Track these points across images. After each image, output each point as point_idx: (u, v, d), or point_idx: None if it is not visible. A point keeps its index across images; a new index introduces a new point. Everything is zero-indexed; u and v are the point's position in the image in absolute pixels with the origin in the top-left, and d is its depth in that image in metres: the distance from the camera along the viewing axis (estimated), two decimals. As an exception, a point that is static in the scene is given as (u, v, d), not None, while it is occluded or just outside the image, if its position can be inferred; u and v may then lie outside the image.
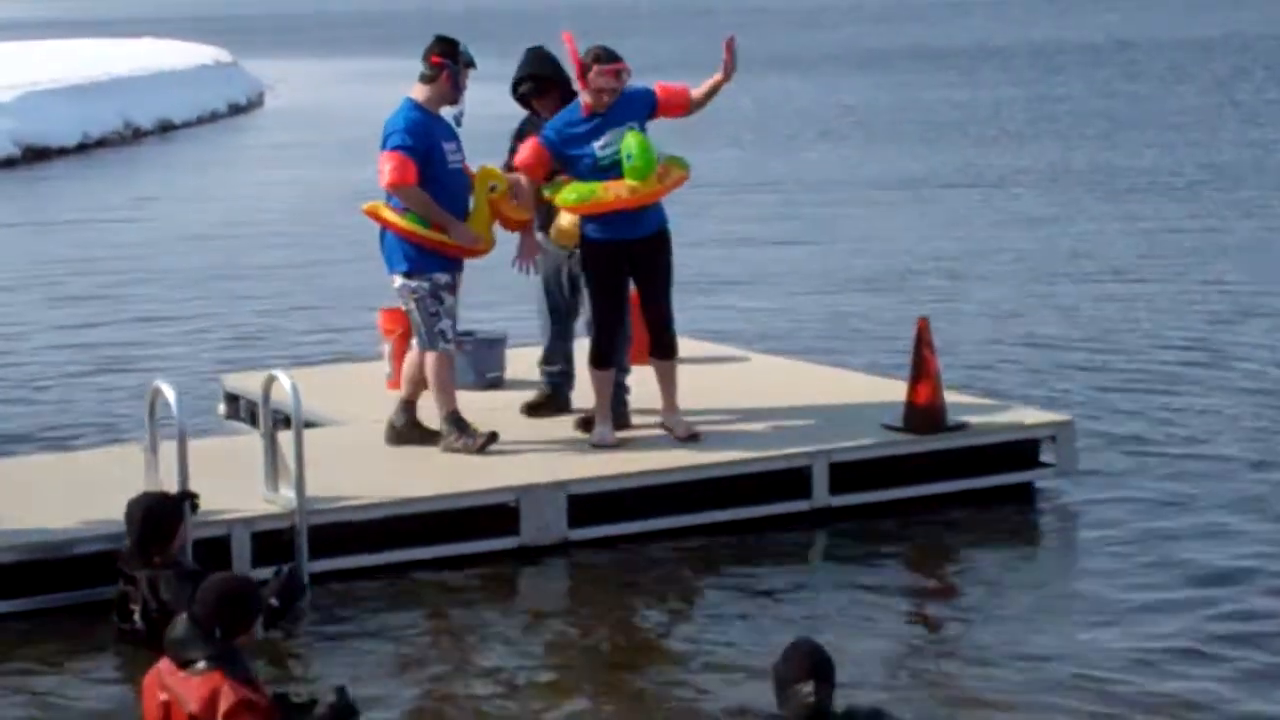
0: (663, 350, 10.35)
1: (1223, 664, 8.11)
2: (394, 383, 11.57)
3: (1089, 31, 58.35)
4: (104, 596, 8.75)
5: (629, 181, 9.99)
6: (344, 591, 9.13)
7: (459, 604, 9.08)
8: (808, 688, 5.74)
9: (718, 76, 10.16)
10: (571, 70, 10.18)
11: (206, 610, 6.45)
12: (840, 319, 16.07)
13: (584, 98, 10.07)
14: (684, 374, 10.59)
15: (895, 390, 10.80)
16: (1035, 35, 58.25)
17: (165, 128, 37.97)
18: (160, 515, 8.50)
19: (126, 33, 59.48)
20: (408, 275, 10.05)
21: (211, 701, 6.25)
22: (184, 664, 6.38)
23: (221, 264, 20.11)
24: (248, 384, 11.83)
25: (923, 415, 10.35)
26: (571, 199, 10.08)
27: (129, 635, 8.46)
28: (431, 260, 10.01)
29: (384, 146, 10.01)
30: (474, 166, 10.29)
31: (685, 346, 10.81)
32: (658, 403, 10.45)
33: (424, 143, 9.93)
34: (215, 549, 8.99)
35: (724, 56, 10.05)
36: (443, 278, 10.03)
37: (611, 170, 10.02)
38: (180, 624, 6.49)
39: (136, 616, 8.40)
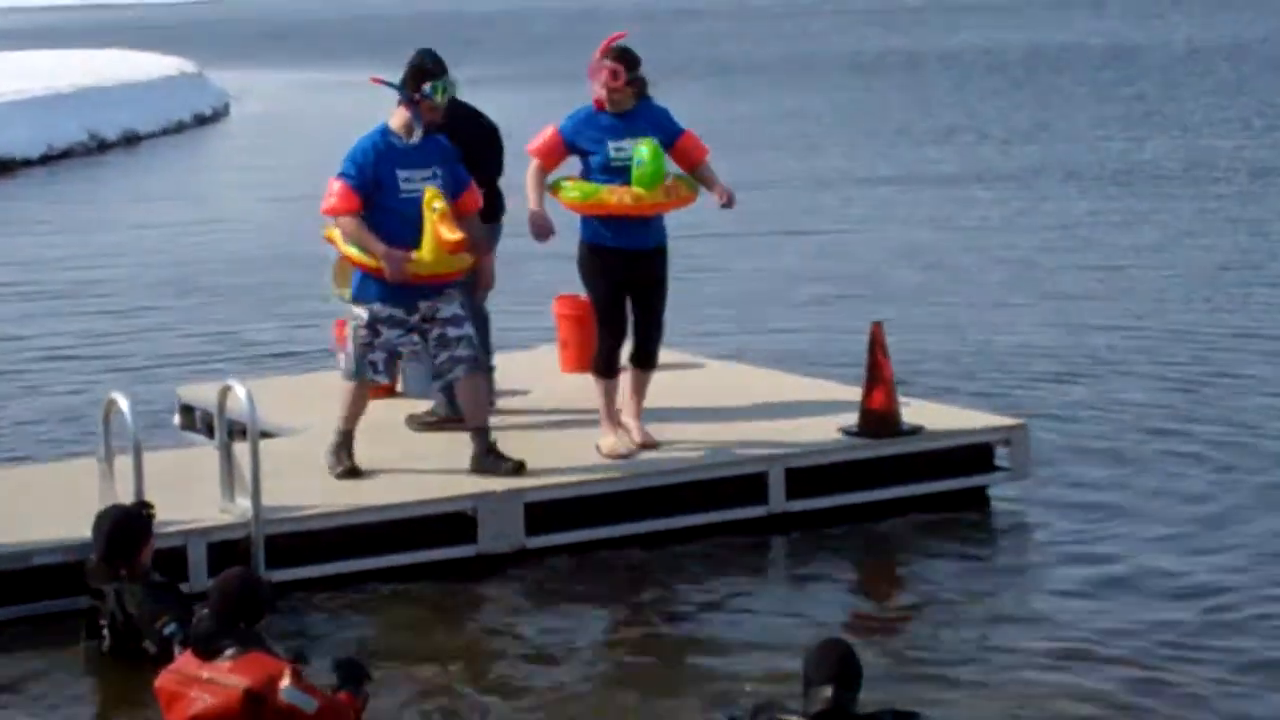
0: (644, 361, 10.30)
1: (1172, 667, 8.19)
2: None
3: (1077, 36, 58.61)
4: (63, 608, 8.77)
5: (634, 189, 9.98)
6: (301, 602, 9.13)
7: (417, 613, 9.10)
8: (828, 691, 5.86)
9: (717, 190, 10.15)
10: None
11: (223, 606, 6.72)
12: (800, 322, 16.14)
13: (595, 91, 10.09)
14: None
15: (850, 395, 10.86)
16: (1021, 40, 58.41)
17: (130, 139, 37.90)
18: (127, 529, 8.50)
19: (92, 44, 59.40)
20: (354, 302, 9.99)
21: (269, 674, 6.45)
22: (213, 655, 6.54)
23: (183, 273, 20.10)
24: (203, 394, 11.85)
25: (877, 420, 10.40)
26: (574, 196, 10.03)
27: (97, 651, 8.46)
28: (373, 289, 9.85)
29: None
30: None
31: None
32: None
33: (370, 171, 9.79)
34: (171, 560, 8.99)
35: (721, 191, 10.11)
36: (383, 310, 9.83)
37: (621, 173, 9.99)
38: (204, 619, 6.76)
39: (104, 630, 8.41)
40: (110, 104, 38.92)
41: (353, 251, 9.89)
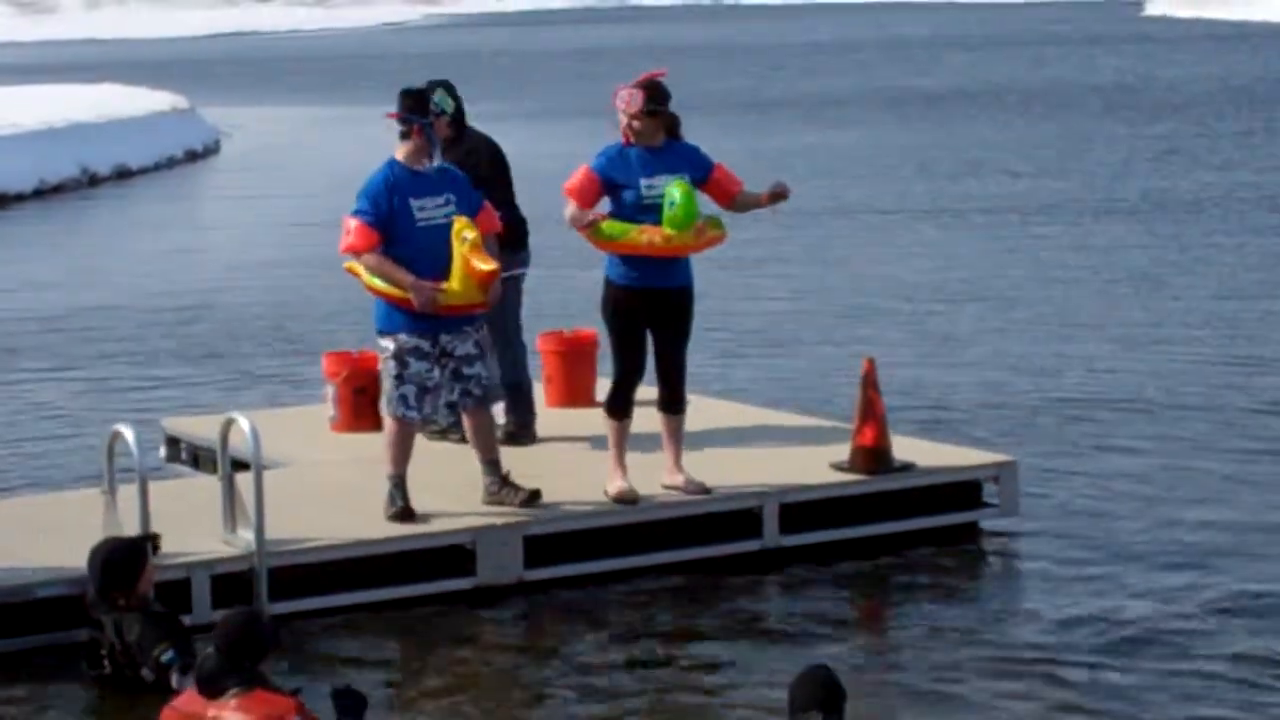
0: (673, 405, 10.24)
1: (1155, 707, 8.31)
2: (338, 425, 11.68)
3: (1097, 75, 58.60)
4: (66, 640, 8.86)
5: (666, 230, 9.96)
6: (303, 633, 9.22)
7: (416, 645, 9.20)
8: (816, 717, 5.97)
9: (764, 197, 10.14)
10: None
11: (227, 644, 6.79)
12: (794, 357, 16.28)
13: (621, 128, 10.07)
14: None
15: (842, 431, 11.00)
16: (1038, 77, 58.37)
17: (122, 174, 38.00)
18: (121, 560, 8.61)
19: (85, 79, 59.45)
20: (380, 334, 9.95)
21: (274, 713, 6.63)
22: (217, 694, 6.63)
23: (176, 304, 20.16)
24: (189, 427, 11.97)
25: (869, 456, 10.53)
26: (604, 235, 10.04)
27: (99, 681, 8.56)
28: (400, 320, 9.83)
29: None
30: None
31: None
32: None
33: (384, 206, 9.77)
34: (175, 591, 9.10)
35: (768, 194, 10.10)
36: (409, 340, 9.81)
37: (652, 211, 9.96)
38: (209, 658, 6.82)
39: (105, 660, 8.51)
40: (102, 139, 38.99)
41: (378, 283, 9.86)
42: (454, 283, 9.78)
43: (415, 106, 9.99)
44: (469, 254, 9.75)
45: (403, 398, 9.87)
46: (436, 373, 9.91)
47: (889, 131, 40.80)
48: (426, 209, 9.87)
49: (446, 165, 10.08)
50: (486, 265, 9.77)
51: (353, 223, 9.89)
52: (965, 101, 49.21)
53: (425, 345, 9.86)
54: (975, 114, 44.75)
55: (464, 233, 9.79)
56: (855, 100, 50.83)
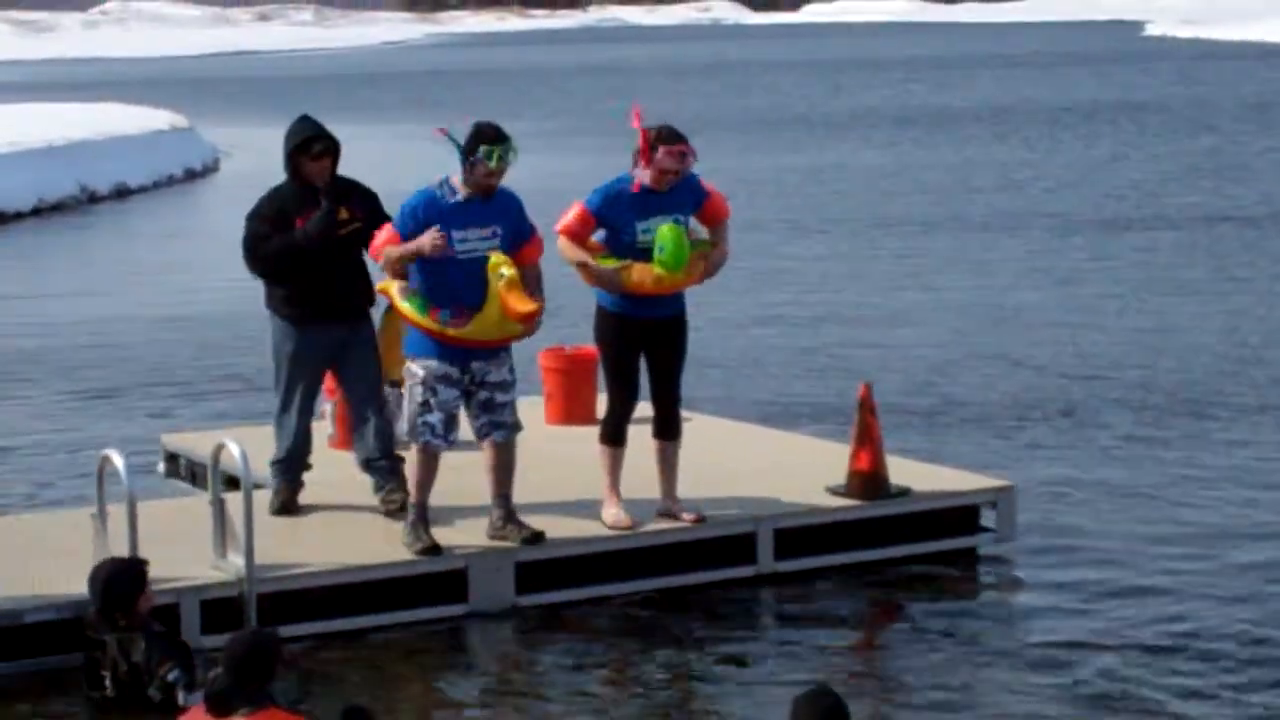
0: (669, 431, 10.20)
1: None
2: (336, 442, 11.64)
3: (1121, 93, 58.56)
4: (58, 665, 8.83)
5: (656, 270, 9.91)
6: (292, 659, 9.18)
7: (408, 671, 9.17)
8: None
9: (712, 254, 10.08)
10: (637, 143, 9.94)
11: (236, 665, 6.81)
12: (790, 375, 16.26)
13: (640, 175, 9.91)
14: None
15: (838, 454, 10.95)
16: (1055, 96, 58.32)
17: (122, 192, 38.02)
18: (122, 580, 8.61)
19: (84, 98, 59.51)
20: (410, 359, 9.76)
21: None
22: (225, 713, 6.66)
23: (173, 321, 20.19)
24: (188, 443, 11.95)
25: (865, 481, 10.50)
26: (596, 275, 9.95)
27: (99, 702, 8.53)
28: (431, 346, 9.66)
29: None
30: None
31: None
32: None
33: (419, 227, 9.58)
34: (164, 616, 9.04)
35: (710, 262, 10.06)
36: (439, 367, 9.63)
37: (646, 252, 9.92)
38: (219, 677, 6.84)
39: (107, 681, 8.49)
40: (102, 157, 39.02)
41: (407, 309, 9.68)
42: (489, 316, 9.64)
43: (465, 147, 9.71)
44: (505, 293, 9.59)
45: (429, 426, 9.69)
46: (463, 400, 9.78)
47: (920, 149, 40.67)
48: (475, 240, 9.66)
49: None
50: (525, 306, 9.62)
51: (384, 231, 9.74)
52: (993, 119, 49.05)
53: (455, 373, 9.69)
54: (1007, 132, 44.62)
55: (500, 268, 9.63)
56: (877, 117, 50.70)
